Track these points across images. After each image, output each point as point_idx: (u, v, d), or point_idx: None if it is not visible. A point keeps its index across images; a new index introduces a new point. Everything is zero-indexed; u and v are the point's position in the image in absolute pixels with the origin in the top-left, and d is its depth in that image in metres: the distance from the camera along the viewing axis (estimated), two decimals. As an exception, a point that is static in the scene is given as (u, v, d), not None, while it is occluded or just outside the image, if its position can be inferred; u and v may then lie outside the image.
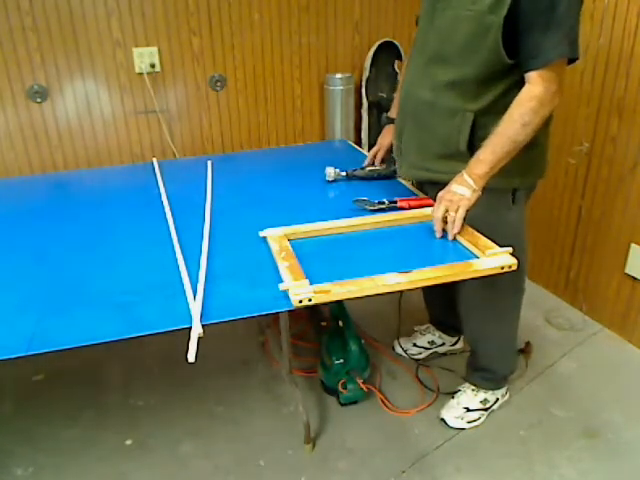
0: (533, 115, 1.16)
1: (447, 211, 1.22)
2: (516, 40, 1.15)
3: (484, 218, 1.29)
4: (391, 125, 1.63)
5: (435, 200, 1.38)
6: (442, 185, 1.38)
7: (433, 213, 1.25)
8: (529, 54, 1.15)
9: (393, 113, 1.62)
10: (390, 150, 1.63)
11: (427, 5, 1.32)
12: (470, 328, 1.61)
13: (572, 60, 1.19)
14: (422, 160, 1.38)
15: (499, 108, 1.20)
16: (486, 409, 1.64)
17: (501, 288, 1.44)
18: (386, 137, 1.65)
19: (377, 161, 1.67)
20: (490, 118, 1.22)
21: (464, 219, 1.21)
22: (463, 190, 1.21)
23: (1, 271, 1.17)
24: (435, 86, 1.29)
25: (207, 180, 1.65)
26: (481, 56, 1.19)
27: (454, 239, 1.21)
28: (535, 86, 1.16)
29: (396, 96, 1.62)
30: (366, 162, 1.69)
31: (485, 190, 1.25)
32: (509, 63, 1.18)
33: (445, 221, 1.22)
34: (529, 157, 1.31)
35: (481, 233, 1.21)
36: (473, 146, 1.27)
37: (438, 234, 1.23)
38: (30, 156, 2.22)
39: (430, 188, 1.45)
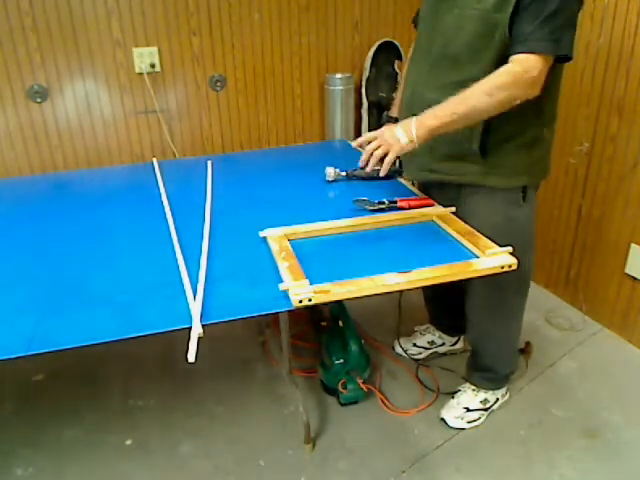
0: (503, 90, 1.15)
1: (379, 147, 1.26)
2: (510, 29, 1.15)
3: (494, 217, 1.29)
4: (390, 124, 1.62)
5: (440, 202, 1.38)
6: (451, 186, 1.37)
7: (368, 144, 1.31)
8: (515, 40, 1.15)
9: (394, 112, 1.62)
10: None
11: (430, 5, 1.32)
12: (474, 327, 1.60)
13: (566, 59, 1.18)
14: (431, 161, 1.38)
15: (511, 108, 1.19)
16: (486, 409, 1.64)
17: (509, 287, 1.44)
18: None
19: (373, 160, 1.66)
20: (502, 117, 1.21)
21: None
22: (403, 136, 1.21)
23: (1, 271, 1.17)
24: (443, 86, 1.28)
25: (207, 180, 1.65)
26: (489, 54, 1.19)
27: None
28: (515, 65, 1.15)
29: (398, 95, 1.62)
30: (362, 159, 1.69)
31: (494, 189, 1.25)
32: None
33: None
34: (535, 154, 1.31)
35: (490, 232, 1.20)
36: (485, 146, 1.27)
37: (362, 163, 1.33)
38: (30, 156, 2.22)
39: (436, 190, 1.44)
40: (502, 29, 1.15)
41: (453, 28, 1.23)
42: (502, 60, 1.18)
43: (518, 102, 1.17)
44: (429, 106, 1.31)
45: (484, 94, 1.16)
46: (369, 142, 1.32)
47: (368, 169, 1.33)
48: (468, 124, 1.20)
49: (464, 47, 1.22)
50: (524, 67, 1.14)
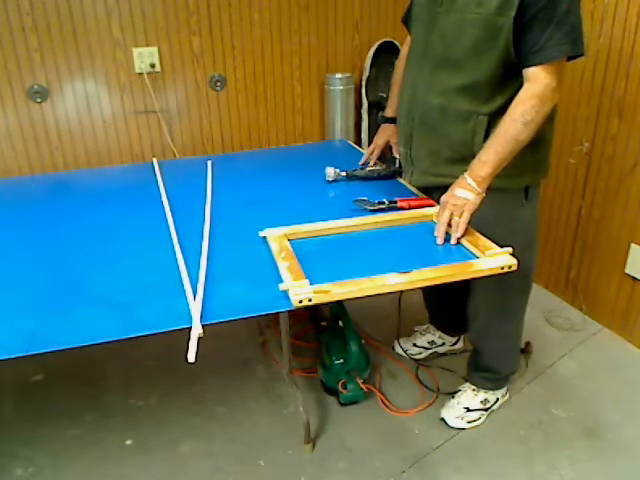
0: (534, 113, 1.16)
1: (452, 215, 1.21)
2: (520, 37, 1.15)
3: (497, 218, 1.29)
4: (386, 124, 1.63)
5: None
6: None
7: (437, 218, 1.24)
8: (530, 50, 1.15)
9: (389, 112, 1.62)
10: (387, 149, 1.63)
11: (424, 8, 1.31)
12: (477, 327, 1.60)
13: (575, 56, 1.18)
14: (434, 166, 1.37)
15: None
16: (486, 409, 1.64)
17: (511, 286, 1.44)
18: (381, 136, 1.65)
19: (372, 161, 1.67)
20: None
21: (468, 222, 1.21)
22: (467, 194, 1.21)
23: (1, 271, 1.17)
24: (445, 91, 1.27)
25: (207, 180, 1.66)
26: (492, 58, 1.19)
27: (457, 243, 1.20)
28: (535, 84, 1.16)
29: (392, 97, 1.62)
30: (362, 161, 1.69)
31: (498, 190, 1.25)
32: (518, 63, 1.18)
33: (449, 225, 1.21)
34: (539, 154, 1.32)
35: (494, 232, 1.20)
36: None
37: (440, 240, 1.21)
38: (30, 156, 2.22)
39: (438, 192, 1.43)
40: (506, 32, 1.14)
41: (453, 32, 1.22)
42: (505, 62, 1.18)
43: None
44: (432, 111, 1.31)
45: (519, 123, 1.16)
46: (440, 219, 1.23)
47: (453, 240, 1.20)
48: (515, 155, 1.20)
49: (466, 51, 1.21)
50: (545, 82, 1.15)
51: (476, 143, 1.27)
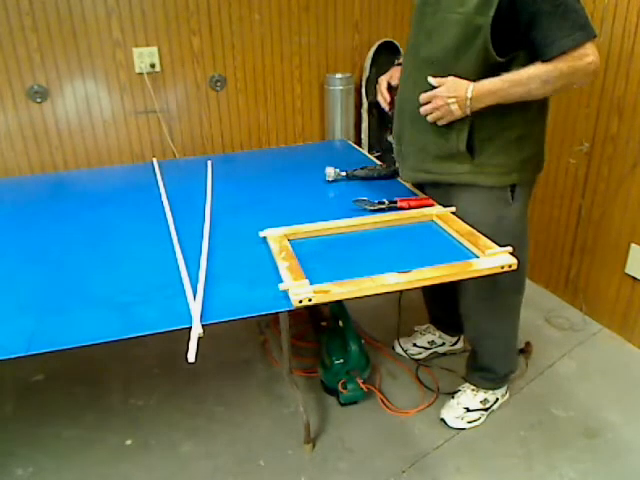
0: (558, 76, 1.15)
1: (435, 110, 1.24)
2: (512, 37, 1.16)
3: (485, 216, 1.29)
4: (396, 66, 1.56)
5: (436, 201, 1.39)
6: (443, 186, 1.38)
7: (428, 97, 1.26)
8: (542, 43, 1.14)
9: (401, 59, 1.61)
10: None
11: (417, 9, 1.33)
12: (471, 327, 1.61)
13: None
14: (422, 162, 1.38)
15: (495, 106, 1.21)
16: (486, 409, 1.64)
17: (502, 286, 1.44)
18: (387, 74, 1.55)
19: (386, 100, 1.56)
20: (487, 116, 1.22)
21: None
22: (455, 107, 1.22)
23: (1, 271, 1.17)
24: (429, 89, 1.29)
25: (207, 180, 1.66)
26: (472, 57, 1.20)
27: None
28: (569, 55, 1.14)
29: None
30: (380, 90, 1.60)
31: (484, 188, 1.26)
32: (500, 61, 1.19)
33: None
34: (525, 152, 1.32)
35: (481, 231, 1.21)
36: (472, 146, 1.28)
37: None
38: (30, 156, 2.22)
39: (431, 189, 1.45)
40: (484, 32, 1.15)
41: (437, 32, 1.24)
42: (484, 61, 1.19)
43: (575, 87, 1.19)
44: (419, 108, 1.31)
45: (541, 80, 1.16)
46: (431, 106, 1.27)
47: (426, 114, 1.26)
48: (517, 100, 1.20)
49: (447, 50, 1.23)
50: (576, 56, 1.13)
51: (460, 140, 1.28)
